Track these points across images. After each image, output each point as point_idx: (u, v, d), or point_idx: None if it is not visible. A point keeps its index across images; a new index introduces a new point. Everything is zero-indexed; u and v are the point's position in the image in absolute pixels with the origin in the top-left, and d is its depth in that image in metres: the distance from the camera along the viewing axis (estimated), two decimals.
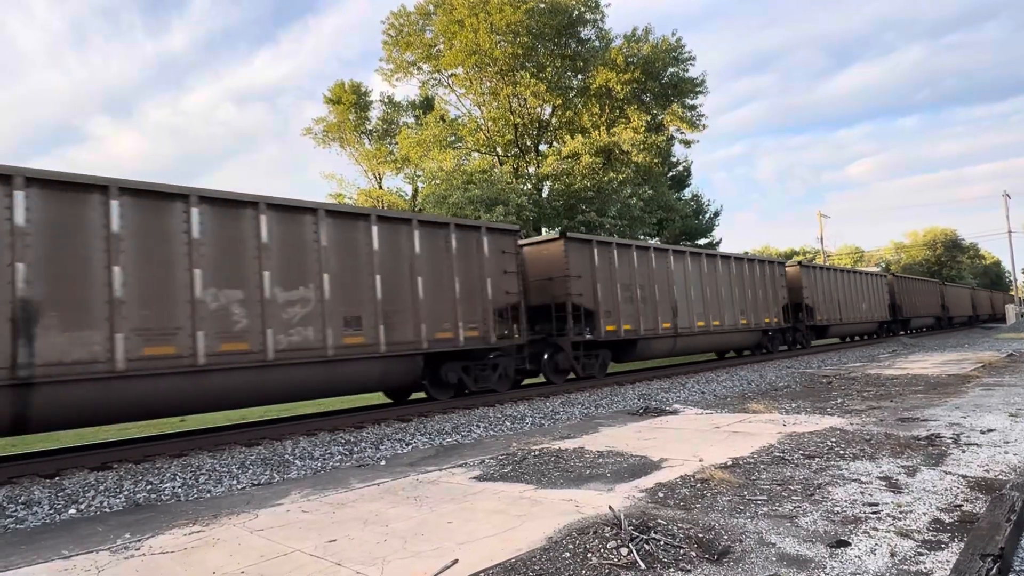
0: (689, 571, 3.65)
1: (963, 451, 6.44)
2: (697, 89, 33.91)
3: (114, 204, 8.10)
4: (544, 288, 14.53)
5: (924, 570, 3.53)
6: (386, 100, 38.74)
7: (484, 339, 12.50)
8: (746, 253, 28.04)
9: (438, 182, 27.88)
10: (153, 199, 8.49)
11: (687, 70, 33.51)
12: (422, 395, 12.97)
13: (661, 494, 5.30)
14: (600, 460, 6.85)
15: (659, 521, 4.45)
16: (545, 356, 14.52)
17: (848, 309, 28.75)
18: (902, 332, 37.20)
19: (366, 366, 10.63)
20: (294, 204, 9.95)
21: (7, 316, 7.26)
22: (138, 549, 4.66)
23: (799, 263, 26.21)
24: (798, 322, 24.90)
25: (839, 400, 10.86)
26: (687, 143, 36.78)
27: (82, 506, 6.18)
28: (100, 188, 8.04)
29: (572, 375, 15.15)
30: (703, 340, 19.14)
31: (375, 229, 10.85)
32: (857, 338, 32.84)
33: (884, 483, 5.36)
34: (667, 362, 21.23)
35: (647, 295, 16.59)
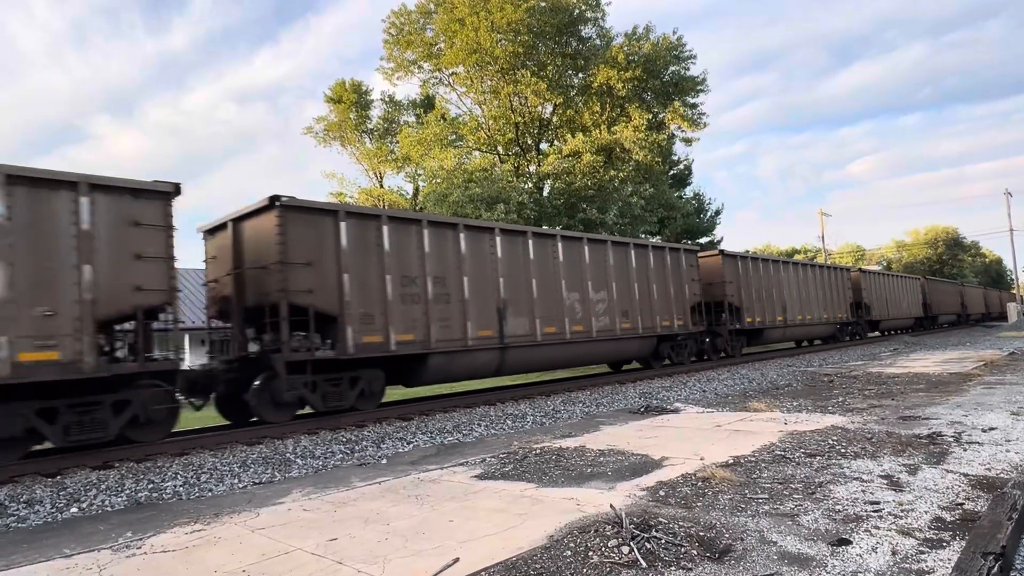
0: (690, 569, 3.65)
1: (965, 449, 6.44)
2: (698, 87, 33.81)
3: (531, 242, 13.67)
4: (705, 291, 19.43)
5: (926, 568, 3.53)
6: (387, 99, 38.68)
7: (685, 327, 17.82)
8: (832, 260, 33.42)
9: (439, 181, 27.84)
10: (544, 239, 14.17)
11: (688, 68, 33.41)
12: (631, 366, 18.59)
13: (662, 493, 5.29)
14: (601, 459, 6.85)
15: (660, 520, 4.45)
16: (707, 340, 19.37)
17: (893, 307, 33.58)
18: (926, 326, 42.11)
19: (632, 343, 16.30)
20: (598, 238, 15.87)
21: (495, 308, 12.68)
22: (139, 548, 4.67)
23: (859, 269, 30.93)
24: (858, 317, 29.47)
25: (840, 398, 10.86)
26: (688, 141, 36.68)
27: (84, 505, 6.19)
28: (522, 233, 13.76)
29: (723, 354, 20.02)
30: (801, 330, 24.82)
31: (632, 253, 16.37)
32: (897, 331, 37.31)
33: (885, 481, 5.35)
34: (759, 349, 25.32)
35: (768, 295, 22.10)
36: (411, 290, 11.16)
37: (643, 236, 27.90)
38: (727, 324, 19.66)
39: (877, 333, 34.73)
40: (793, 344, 27.59)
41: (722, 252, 20.10)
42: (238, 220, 10.66)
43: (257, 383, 9.96)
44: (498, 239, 12.87)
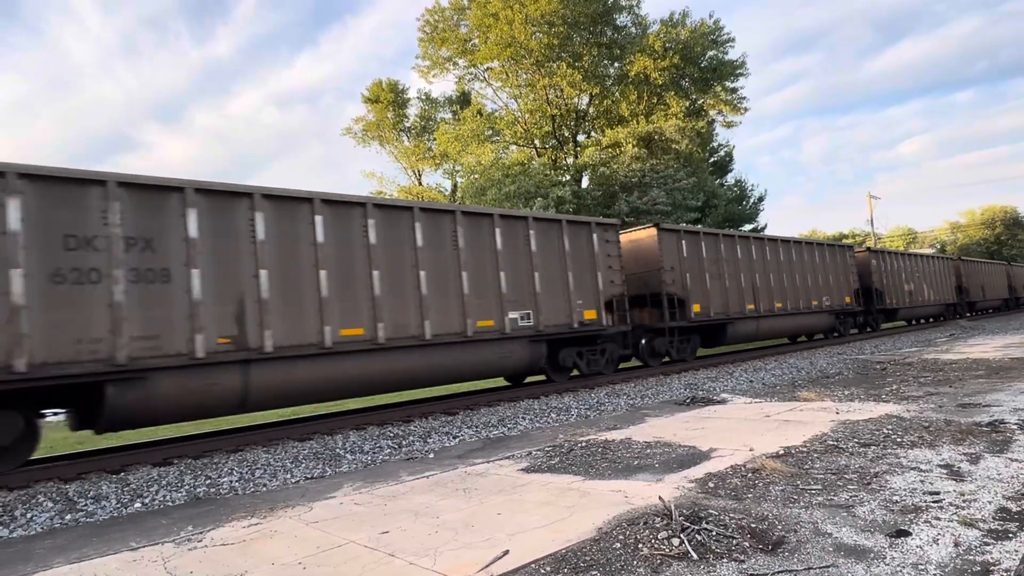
0: (743, 561, 3.60)
1: None
2: (738, 71, 33.18)
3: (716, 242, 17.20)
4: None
5: (991, 560, 3.41)
6: (423, 97, 39.00)
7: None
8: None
9: (476, 176, 27.97)
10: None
11: (726, 52, 32.84)
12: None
13: (711, 484, 5.23)
14: (648, 451, 6.80)
15: (710, 511, 4.40)
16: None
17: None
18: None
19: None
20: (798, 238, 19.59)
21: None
22: (200, 541, 4.83)
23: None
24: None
25: (894, 386, 10.54)
26: (729, 125, 36.03)
27: (146, 500, 6.44)
28: (678, 232, 16.81)
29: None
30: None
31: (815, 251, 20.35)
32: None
33: (945, 471, 5.18)
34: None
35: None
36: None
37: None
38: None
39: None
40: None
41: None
42: None
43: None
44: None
